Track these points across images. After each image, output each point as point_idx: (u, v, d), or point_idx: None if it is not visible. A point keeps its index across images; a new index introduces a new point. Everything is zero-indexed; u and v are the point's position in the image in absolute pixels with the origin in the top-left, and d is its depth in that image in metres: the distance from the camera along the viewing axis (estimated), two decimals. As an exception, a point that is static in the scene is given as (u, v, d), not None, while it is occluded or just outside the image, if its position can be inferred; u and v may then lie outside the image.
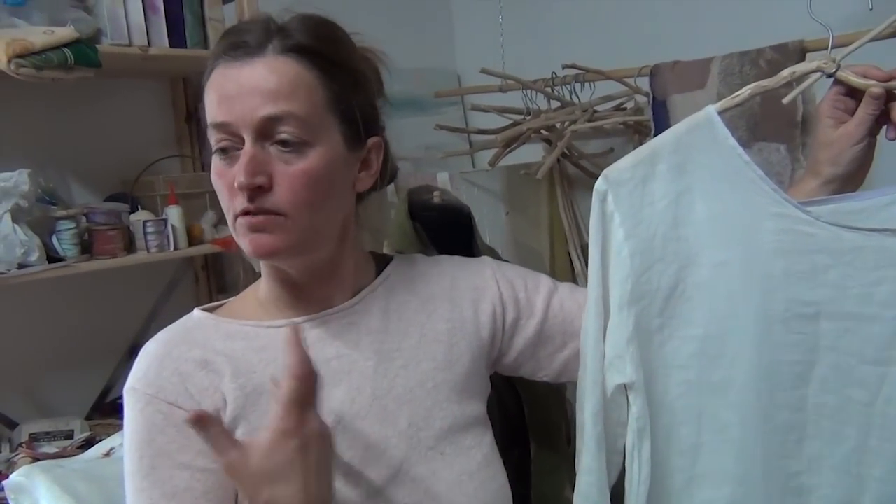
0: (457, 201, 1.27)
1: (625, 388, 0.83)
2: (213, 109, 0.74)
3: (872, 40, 0.83)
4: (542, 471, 1.09)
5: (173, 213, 1.62)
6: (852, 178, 0.79)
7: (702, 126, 0.79)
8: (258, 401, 0.75)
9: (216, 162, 0.75)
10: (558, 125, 1.78)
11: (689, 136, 0.79)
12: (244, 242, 0.74)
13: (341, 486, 0.74)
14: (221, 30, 1.62)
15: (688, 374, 0.83)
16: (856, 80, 0.76)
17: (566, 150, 1.76)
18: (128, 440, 0.75)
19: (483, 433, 0.84)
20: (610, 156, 1.90)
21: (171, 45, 1.55)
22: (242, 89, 0.72)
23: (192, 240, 1.68)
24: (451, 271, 0.90)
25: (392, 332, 0.82)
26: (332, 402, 0.76)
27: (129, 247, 1.59)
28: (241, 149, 0.72)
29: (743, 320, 0.80)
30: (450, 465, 0.79)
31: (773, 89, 0.80)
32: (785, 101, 1.02)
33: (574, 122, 1.73)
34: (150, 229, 1.57)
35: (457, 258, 0.94)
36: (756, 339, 0.79)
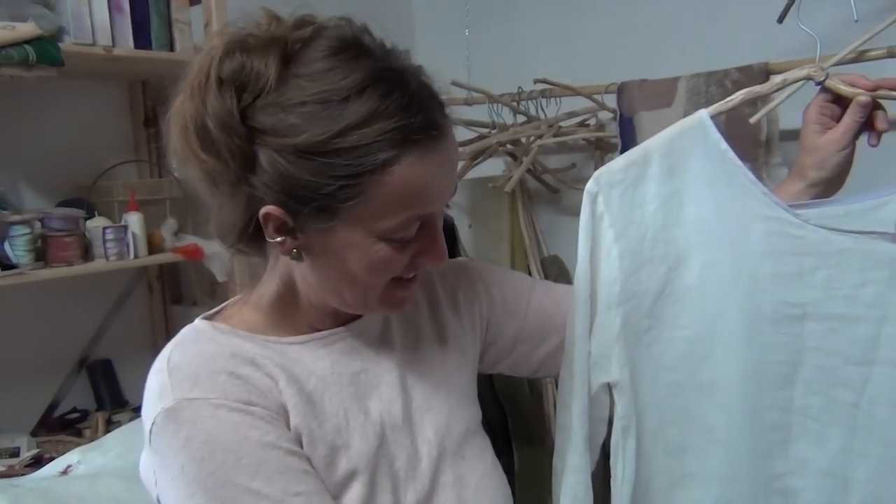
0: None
1: (609, 388, 0.83)
2: (428, 200, 0.68)
3: (859, 51, 0.86)
4: (526, 482, 1.09)
5: (134, 220, 1.57)
6: (835, 182, 0.82)
7: (694, 129, 0.80)
8: (315, 410, 0.72)
9: (388, 249, 0.68)
10: (524, 139, 1.80)
11: (680, 140, 0.81)
12: (395, 303, 0.75)
13: (396, 498, 0.73)
14: (188, 32, 1.59)
15: (675, 375, 0.83)
16: (844, 89, 0.79)
17: (530, 165, 1.78)
18: (200, 455, 0.65)
19: (485, 434, 0.85)
20: (571, 171, 1.94)
21: (137, 45, 1.51)
22: (451, 171, 0.71)
23: (153, 248, 1.63)
24: (438, 275, 0.89)
25: (406, 343, 0.82)
26: (373, 414, 0.75)
27: (86, 254, 1.54)
28: None
29: (731, 321, 0.81)
30: (471, 468, 0.79)
31: (764, 94, 0.82)
32: (752, 120, 1.06)
33: (540, 136, 1.76)
34: (109, 236, 1.52)
35: None
36: (743, 339, 0.81)
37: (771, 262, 0.79)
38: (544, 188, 1.96)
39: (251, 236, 0.71)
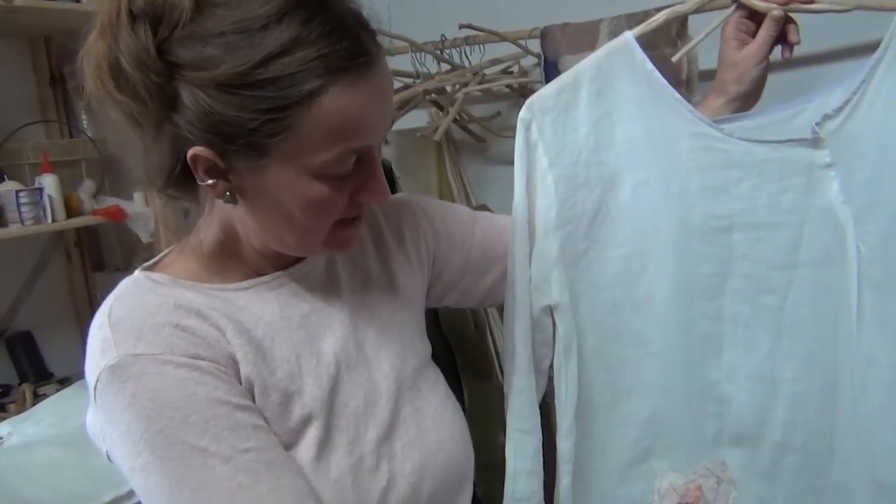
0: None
1: (550, 310, 0.85)
2: (361, 132, 0.65)
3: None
4: (476, 419, 1.11)
5: (48, 183, 1.49)
6: (753, 95, 0.86)
7: (620, 51, 0.82)
8: (264, 359, 0.70)
9: (324, 187, 0.66)
10: (449, 88, 1.79)
11: (608, 62, 0.83)
12: (340, 245, 0.73)
13: (356, 436, 0.72)
14: (94, -18, 1.51)
15: (612, 294, 0.86)
16: (758, 4, 0.82)
17: (456, 115, 1.78)
18: (146, 413, 0.63)
19: (436, 367, 0.86)
20: (497, 120, 1.95)
21: (40, -4, 1.42)
22: (385, 101, 0.68)
23: (70, 211, 1.56)
24: (382, 213, 0.89)
25: (354, 283, 0.81)
26: (326, 355, 0.74)
27: (-1, 220, 1.46)
28: None
29: (663, 237, 0.84)
30: (427, 400, 0.80)
31: (685, 13, 0.85)
32: (673, 59, 1.09)
33: (465, 84, 1.75)
34: (23, 200, 1.44)
35: None
36: (675, 254, 0.84)
37: (698, 177, 0.82)
38: (471, 138, 1.97)
39: (180, 180, 0.68)
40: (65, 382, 1.70)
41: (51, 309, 1.80)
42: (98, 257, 1.84)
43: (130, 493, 1.20)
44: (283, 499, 0.64)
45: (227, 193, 0.68)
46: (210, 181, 0.66)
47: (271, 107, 0.61)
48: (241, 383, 0.68)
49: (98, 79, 0.64)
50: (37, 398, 1.63)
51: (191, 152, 0.64)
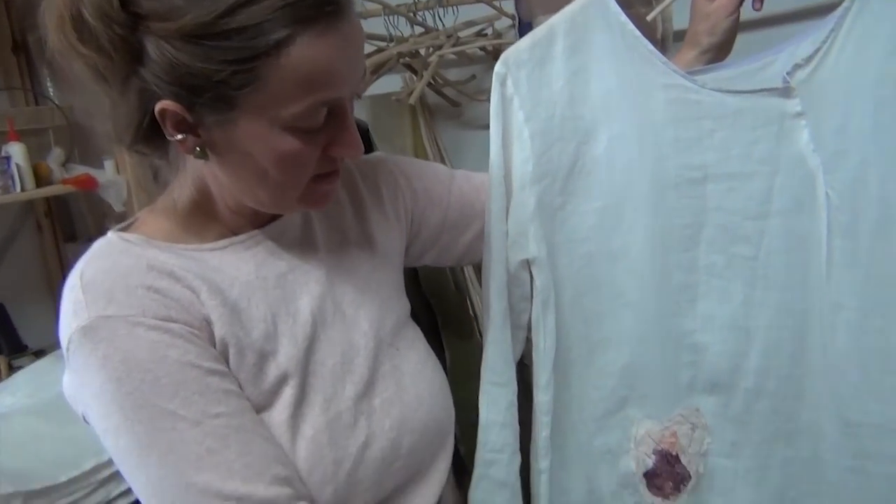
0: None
1: (527, 264, 0.86)
2: (331, 83, 0.64)
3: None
4: (458, 379, 1.12)
5: (16, 151, 1.46)
6: (725, 47, 0.87)
7: (594, 3, 0.82)
8: (240, 320, 0.70)
9: (296, 141, 0.66)
10: (422, 51, 1.78)
11: (582, 15, 0.82)
12: (316, 200, 0.72)
13: (333, 394, 0.72)
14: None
15: (588, 246, 0.87)
16: (730, -44, 0.82)
17: (430, 79, 1.77)
18: (117, 375, 0.62)
19: (415, 326, 0.86)
20: (471, 83, 1.94)
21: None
22: (356, 53, 0.67)
23: (40, 180, 1.53)
24: (359, 172, 0.88)
25: (331, 243, 0.81)
26: (303, 314, 0.74)
27: (-35, 189, 1.43)
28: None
29: (638, 189, 0.85)
30: (406, 357, 0.80)
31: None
32: (648, 18, 1.09)
33: (439, 47, 1.74)
34: (-11, 168, 1.41)
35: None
36: (650, 206, 0.85)
37: (672, 129, 0.83)
38: (445, 102, 1.96)
39: (150, 135, 0.67)
40: (40, 355, 1.69)
41: (23, 281, 1.77)
42: (69, 228, 1.82)
43: (111, 461, 1.20)
44: (252, 464, 0.64)
45: (198, 149, 0.67)
46: (179, 136, 0.66)
47: (238, 57, 0.60)
48: (215, 345, 0.68)
49: (61, 32, 0.63)
50: (11, 370, 1.62)
51: (158, 106, 0.64)
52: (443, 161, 1.95)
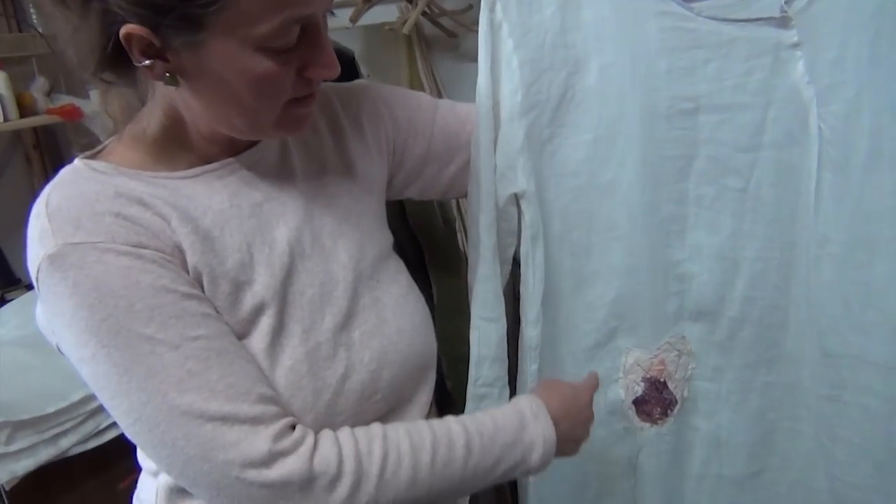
0: (338, 45, 1.22)
1: (516, 199, 0.85)
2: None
3: None
4: (445, 314, 1.12)
5: (-2, 80, 1.43)
6: None
7: (588, -73, 0.79)
8: (213, 248, 0.68)
9: (269, 62, 0.63)
10: (417, -21, 1.73)
11: (575, -63, 0.80)
12: (292, 125, 0.70)
13: (311, 324, 0.71)
14: None
15: (578, 180, 0.86)
16: None
17: (426, 8, 1.72)
18: (89, 302, 0.60)
19: (399, 259, 0.85)
20: (468, 13, 1.89)
21: None
22: None
23: (24, 111, 1.50)
24: (339, 100, 0.86)
25: (309, 172, 0.79)
26: (280, 244, 0.72)
27: (-53, 120, 1.41)
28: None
29: (629, 121, 0.83)
30: (387, 290, 0.79)
31: None
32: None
33: (434, -26, 1.69)
34: (-29, 98, 1.39)
35: (335, 86, 0.90)
36: (642, 137, 0.84)
37: (665, 59, 0.81)
38: (442, 33, 1.91)
39: (115, 62, 0.64)
40: (32, 288, 1.69)
41: (13, 214, 1.75)
42: (59, 160, 1.80)
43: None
44: (235, 384, 0.64)
45: (167, 75, 0.64)
46: (147, 62, 0.63)
47: None
48: (188, 273, 0.66)
49: None
50: (4, 304, 1.62)
51: (123, 30, 0.60)
52: (439, 94, 1.92)
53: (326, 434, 0.66)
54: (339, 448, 0.65)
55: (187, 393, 0.62)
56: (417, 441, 0.68)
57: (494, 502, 1.37)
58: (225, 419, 0.62)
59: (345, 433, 0.67)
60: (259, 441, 0.62)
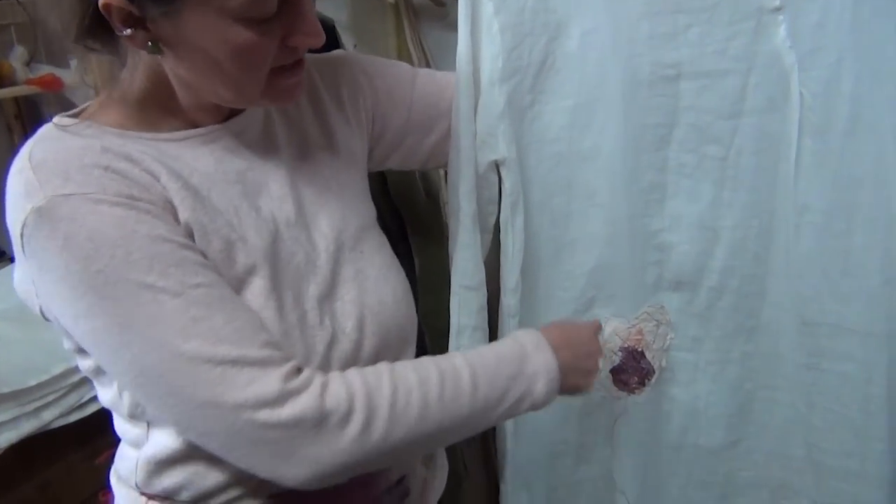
0: (318, 13, 1.20)
1: (496, 166, 0.85)
2: None
3: None
4: (428, 286, 1.12)
5: (-26, 48, 1.41)
6: None
7: None
8: (204, 205, 0.67)
9: (249, 32, 0.62)
10: (402, -53, 1.70)
11: None
12: (281, 95, 0.69)
13: (298, 292, 0.71)
14: None
15: (559, 147, 0.86)
16: None
17: (413, -24, 1.70)
18: (84, 254, 0.59)
19: (381, 231, 0.84)
20: (455, -17, 1.87)
21: None
22: None
23: (2, 80, 1.48)
24: (318, 73, 0.85)
25: (291, 145, 0.78)
26: (264, 212, 0.72)
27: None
28: None
29: (611, 87, 0.82)
30: (370, 261, 0.78)
31: None
32: None
33: (420, -59, 1.66)
34: (-53, 65, 1.37)
35: (313, 57, 0.89)
36: (622, 104, 0.83)
37: (647, 24, 0.80)
38: (430, 2, 1.89)
39: (97, 30, 0.63)
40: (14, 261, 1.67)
41: (-4, 185, 1.74)
42: (40, 131, 1.78)
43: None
44: (240, 329, 0.63)
45: (150, 43, 0.63)
46: (128, 31, 0.61)
47: None
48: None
49: None
50: (-13, 276, 1.61)
51: (101, 0, 0.59)
52: (427, 64, 1.90)
53: (335, 374, 0.66)
54: (348, 385, 0.64)
55: (193, 339, 0.61)
56: (424, 376, 0.67)
57: (481, 460, 1.37)
58: (235, 362, 0.61)
59: (352, 372, 0.67)
60: (270, 381, 0.61)
